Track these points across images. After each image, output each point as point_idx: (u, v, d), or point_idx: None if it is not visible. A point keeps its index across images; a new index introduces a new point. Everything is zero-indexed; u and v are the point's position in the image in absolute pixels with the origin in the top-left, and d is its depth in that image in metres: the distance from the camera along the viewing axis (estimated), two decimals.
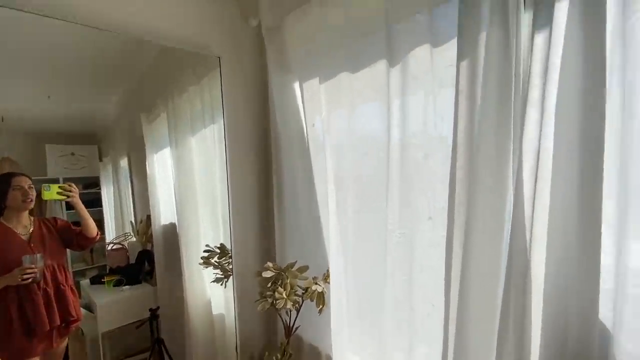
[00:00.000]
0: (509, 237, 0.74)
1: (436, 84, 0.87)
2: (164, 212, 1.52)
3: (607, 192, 0.63)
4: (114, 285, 1.41)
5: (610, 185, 0.64)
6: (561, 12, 0.63)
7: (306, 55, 1.22)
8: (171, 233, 1.51)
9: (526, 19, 0.70)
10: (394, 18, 0.93)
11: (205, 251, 1.39)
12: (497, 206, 0.76)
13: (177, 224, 1.49)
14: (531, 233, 0.70)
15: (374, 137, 1.05)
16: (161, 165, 1.52)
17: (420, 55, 0.89)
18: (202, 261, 1.39)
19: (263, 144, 1.50)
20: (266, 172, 1.50)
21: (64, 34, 1.13)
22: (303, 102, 1.26)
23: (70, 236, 1.17)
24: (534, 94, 0.66)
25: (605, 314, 0.67)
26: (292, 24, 1.24)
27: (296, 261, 1.19)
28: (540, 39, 0.65)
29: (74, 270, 1.34)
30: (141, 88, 1.45)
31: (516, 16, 0.70)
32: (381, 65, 0.98)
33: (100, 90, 1.40)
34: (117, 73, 1.36)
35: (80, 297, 1.29)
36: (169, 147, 1.50)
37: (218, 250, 1.39)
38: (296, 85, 1.29)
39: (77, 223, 1.21)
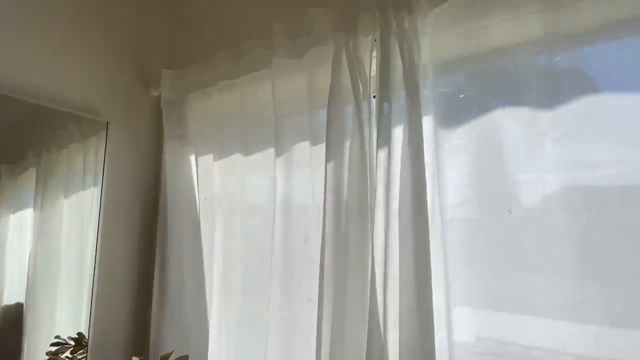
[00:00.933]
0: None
1: (314, 176, 0.99)
2: (10, 289, 1.23)
3: (435, 279, 0.77)
4: None
5: (437, 274, 0.79)
6: (396, 135, 0.82)
7: (204, 132, 1.26)
8: (15, 317, 1.21)
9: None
10: (281, 113, 1.05)
11: (53, 344, 1.14)
12: (361, 291, 0.85)
13: (25, 304, 1.22)
14: (385, 315, 0.79)
15: (260, 217, 1.10)
16: (17, 228, 1.28)
17: (302, 149, 1.02)
18: (47, 358, 1.13)
19: (148, 216, 1.39)
20: (149, 246, 1.38)
21: None
22: (197, 176, 1.26)
23: None
24: (379, 197, 0.81)
25: None
26: (192, 101, 1.30)
27: (172, 351, 1.07)
28: (382, 153, 0.82)
29: None
30: (8, 136, 1.26)
31: (369, 132, 0.88)
32: (270, 152, 1.08)
33: None
34: None
35: None
36: (31, 208, 1.29)
37: (72, 342, 1.16)
38: (192, 158, 1.30)
39: None
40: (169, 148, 1.31)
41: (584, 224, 0.72)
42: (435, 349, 0.75)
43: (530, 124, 0.78)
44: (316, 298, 0.98)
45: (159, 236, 1.29)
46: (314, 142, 0.99)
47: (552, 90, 0.77)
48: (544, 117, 0.77)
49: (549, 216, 0.75)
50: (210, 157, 1.23)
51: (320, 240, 0.97)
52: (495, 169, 0.77)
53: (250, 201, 1.13)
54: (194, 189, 1.28)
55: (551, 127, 0.76)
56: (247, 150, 1.14)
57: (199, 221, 1.24)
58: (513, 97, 0.80)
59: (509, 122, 0.79)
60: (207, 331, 1.17)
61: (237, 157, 1.15)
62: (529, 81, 0.79)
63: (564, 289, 0.73)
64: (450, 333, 0.79)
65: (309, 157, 1.00)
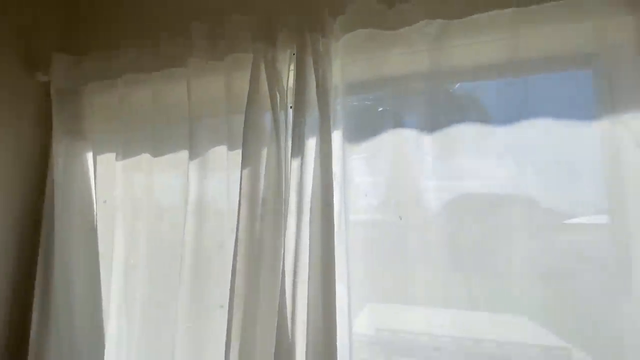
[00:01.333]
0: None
1: (230, 181, 0.99)
2: None
3: (339, 279, 0.85)
4: None
5: (341, 274, 0.86)
6: (309, 147, 0.87)
7: (105, 128, 1.14)
8: None
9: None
10: (197, 115, 1.02)
11: None
12: (272, 296, 0.87)
13: None
14: (293, 317, 0.84)
15: (169, 223, 1.04)
16: None
17: (218, 154, 1.00)
18: None
19: (28, 221, 1.18)
20: (29, 257, 1.17)
21: None
22: (95, 176, 1.13)
23: None
24: (292, 205, 0.85)
25: None
26: (92, 92, 1.16)
27: None
28: (296, 163, 0.87)
29: None
30: None
31: (285, 142, 0.92)
32: (183, 154, 1.03)
33: None
34: None
35: None
36: None
37: None
38: (89, 156, 1.15)
39: None
40: (59, 143, 1.14)
41: (454, 227, 0.88)
42: (338, 343, 0.82)
43: (419, 143, 0.92)
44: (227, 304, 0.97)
45: (43, 244, 1.11)
46: (231, 147, 0.99)
47: (440, 114, 0.92)
48: (431, 137, 0.91)
49: (428, 221, 0.89)
50: (111, 156, 1.11)
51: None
52: (391, 180, 0.89)
53: (158, 205, 1.06)
54: (90, 190, 1.14)
55: (438, 146, 0.91)
56: (157, 150, 1.07)
57: (95, 226, 1.11)
58: (409, 118, 0.94)
59: (404, 140, 0.92)
60: (103, 349, 1.05)
61: (144, 158, 1.07)
62: (423, 105, 0.93)
63: (439, 281, 0.87)
64: (351, 327, 0.87)
65: (225, 161, 0.99)
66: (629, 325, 0.74)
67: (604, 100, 0.79)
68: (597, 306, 0.78)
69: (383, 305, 0.96)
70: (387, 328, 0.97)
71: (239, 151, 0.96)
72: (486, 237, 0.87)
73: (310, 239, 0.84)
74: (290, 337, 0.82)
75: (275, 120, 0.91)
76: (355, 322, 0.91)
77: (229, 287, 0.96)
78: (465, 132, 0.91)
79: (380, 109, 0.95)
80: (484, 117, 0.93)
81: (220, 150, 1.01)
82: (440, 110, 0.92)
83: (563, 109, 0.88)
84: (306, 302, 0.83)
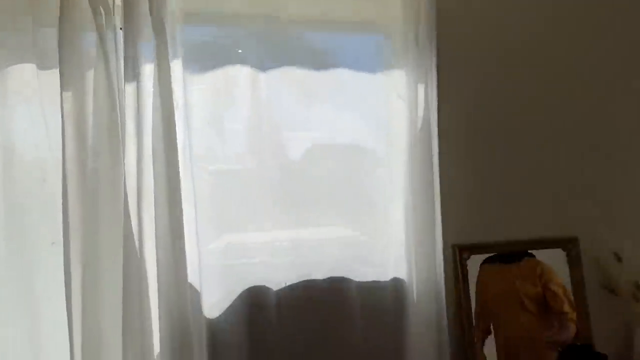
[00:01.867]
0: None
1: (47, 104, 0.86)
2: None
3: (186, 213, 0.93)
4: None
5: (188, 201, 0.95)
6: (145, 73, 0.87)
7: None
8: None
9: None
10: None
11: None
12: (115, 222, 0.88)
13: None
14: (141, 237, 0.89)
15: None
16: None
17: (23, 73, 0.84)
18: None
19: None
20: None
21: None
22: None
23: None
24: (130, 131, 0.86)
25: (193, 279, 0.97)
26: None
27: None
28: (130, 88, 0.85)
29: None
30: None
31: (116, 65, 0.87)
32: None
33: None
34: None
35: None
36: None
37: None
38: None
39: None
40: None
41: (296, 168, 1.07)
42: (187, 254, 0.93)
43: (257, 81, 1.03)
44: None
45: None
46: (42, 66, 0.85)
47: (275, 56, 1.03)
48: (266, 75, 1.03)
49: (263, 159, 1.03)
50: None
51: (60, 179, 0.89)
52: (228, 113, 1.00)
53: None
54: None
55: (273, 84, 1.04)
56: None
57: None
58: (247, 56, 1.02)
59: (242, 76, 1.02)
60: None
61: None
62: (260, 45, 1.03)
63: (280, 210, 1.07)
64: (199, 240, 0.99)
65: (36, 80, 0.85)
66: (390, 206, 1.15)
67: (383, 61, 1.11)
68: (375, 203, 1.18)
69: (234, 233, 1.11)
70: (236, 242, 1.14)
71: (55, 71, 0.84)
72: (319, 177, 1.10)
73: (153, 164, 0.87)
74: (138, 254, 0.88)
75: (102, 40, 0.84)
76: (208, 245, 1.03)
77: (60, 222, 0.90)
78: (296, 75, 1.07)
79: (221, 43, 1.00)
80: (312, 63, 1.10)
81: (27, 69, 0.85)
82: (275, 52, 1.05)
83: (369, 66, 1.15)
84: (154, 222, 0.89)
